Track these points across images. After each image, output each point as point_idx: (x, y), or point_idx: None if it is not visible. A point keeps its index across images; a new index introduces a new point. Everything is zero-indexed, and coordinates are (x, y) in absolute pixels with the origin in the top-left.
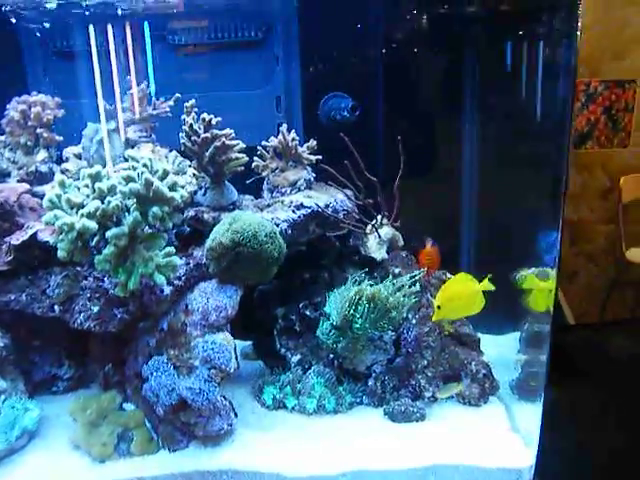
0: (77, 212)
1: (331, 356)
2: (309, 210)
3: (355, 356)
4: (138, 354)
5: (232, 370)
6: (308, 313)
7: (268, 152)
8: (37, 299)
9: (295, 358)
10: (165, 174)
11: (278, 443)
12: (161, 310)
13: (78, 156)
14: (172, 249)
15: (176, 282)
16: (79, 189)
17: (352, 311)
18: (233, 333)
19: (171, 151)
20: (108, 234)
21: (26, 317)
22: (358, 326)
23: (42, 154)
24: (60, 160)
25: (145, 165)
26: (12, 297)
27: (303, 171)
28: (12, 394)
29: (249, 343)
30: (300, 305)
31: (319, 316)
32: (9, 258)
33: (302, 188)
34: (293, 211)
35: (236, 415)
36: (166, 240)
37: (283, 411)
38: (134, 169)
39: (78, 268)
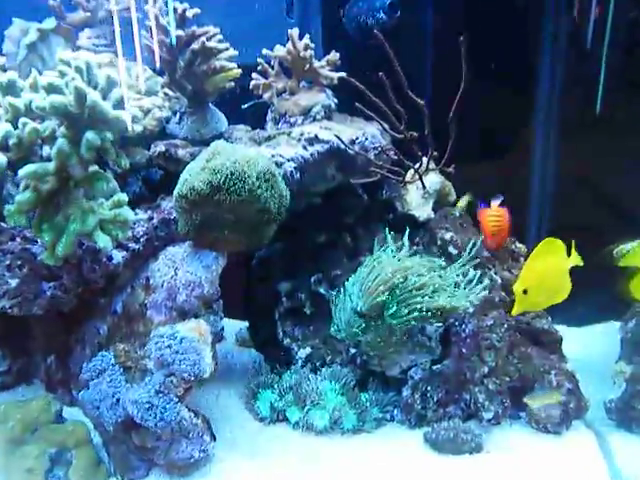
0: None
1: (352, 351)
2: (327, 146)
3: (386, 355)
4: (86, 344)
5: (204, 376)
6: (322, 291)
7: (272, 66)
8: None
9: (302, 352)
10: (109, 85)
11: (272, 476)
12: (114, 285)
13: (1, 68)
14: (123, 196)
15: (132, 245)
16: None
17: (386, 295)
18: (227, 310)
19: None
20: (21, 173)
21: None
22: (392, 313)
23: None
24: None
25: (79, 70)
26: None
27: (320, 94)
28: None
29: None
30: (312, 279)
31: (337, 295)
32: None
33: (319, 117)
34: (304, 147)
35: (214, 438)
36: (114, 184)
37: (283, 426)
38: (63, 76)
39: (3, 224)
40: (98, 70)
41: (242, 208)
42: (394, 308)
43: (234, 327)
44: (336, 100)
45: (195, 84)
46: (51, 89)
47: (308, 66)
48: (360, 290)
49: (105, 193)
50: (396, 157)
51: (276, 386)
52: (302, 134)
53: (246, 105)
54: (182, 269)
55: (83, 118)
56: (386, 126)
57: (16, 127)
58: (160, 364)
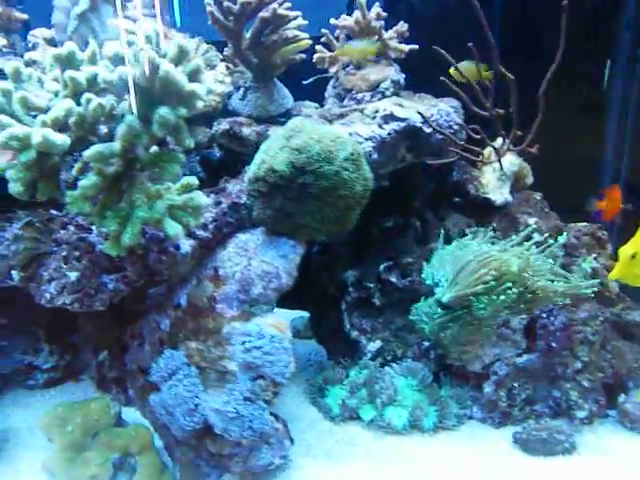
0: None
1: (424, 345)
2: (403, 124)
3: (468, 349)
4: (144, 340)
5: (288, 378)
6: (394, 279)
7: (337, 38)
8: None
9: (372, 346)
10: (182, 55)
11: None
12: (177, 276)
13: (51, 41)
14: (193, 179)
15: (201, 233)
16: (43, 85)
17: (477, 287)
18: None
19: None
20: (86, 154)
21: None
22: (482, 307)
23: None
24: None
25: (149, 39)
26: None
27: (389, 68)
28: None
29: (300, 314)
30: (381, 267)
31: (411, 285)
32: None
33: (388, 93)
34: (380, 125)
35: (292, 442)
36: (185, 166)
37: (355, 425)
38: (130, 45)
39: (54, 212)
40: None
41: (327, 192)
42: (486, 299)
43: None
44: (403, 76)
45: (262, 56)
46: (118, 60)
47: (378, 36)
48: (446, 280)
49: (175, 177)
50: (478, 136)
51: (345, 382)
52: (377, 111)
53: (308, 80)
54: (256, 258)
55: (154, 91)
56: (458, 105)
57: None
58: (247, 366)
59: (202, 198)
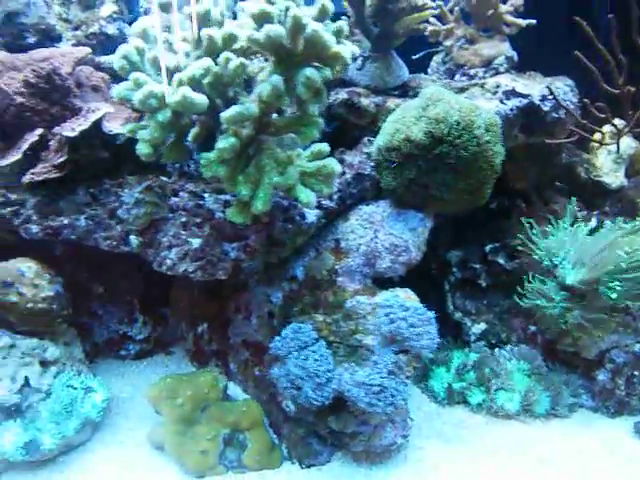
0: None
1: (530, 329)
2: (525, 101)
3: (588, 335)
4: (251, 313)
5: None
6: (501, 261)
7: (452, 11)
8: (103, 225)
9: (477, 328)
10: (323, 15)
11: (481, 467)
12: (293, 247)
13: (165, 7)
14: (324, 146)
15: (326, 203)
16: (171, 45)
17: (609, 268)
18: None
19: None
20: (226, 115)
21: (86, 252)
22: (614, 290)
23: (109, 8)
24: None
25: None
26: (65, 221)
27: (503, 44)
28: (67, 365)
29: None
30: (487, 248)
31: (519, 267)
32: (60, 159)
33: (502, 70)
34: (501, 100)
35: (412, 420)
36: (320, 131)
37: (462, 408)
38: (272, 3)
39: (164, 178)
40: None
41: (467, 162)
42: (618, 282)
43: None
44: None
45: (385, 24)
46: (263, 19)
47: (493, 11)
48: (569, 262)
49: (312, 141)
50: (602, 115)
51: (450, 364)
52: (498, 86)
53: (418, 55)
54: (383, 231)
55: (297, 52)
56: (571, 84)
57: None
58: (391, 339)
59: (336, 165)
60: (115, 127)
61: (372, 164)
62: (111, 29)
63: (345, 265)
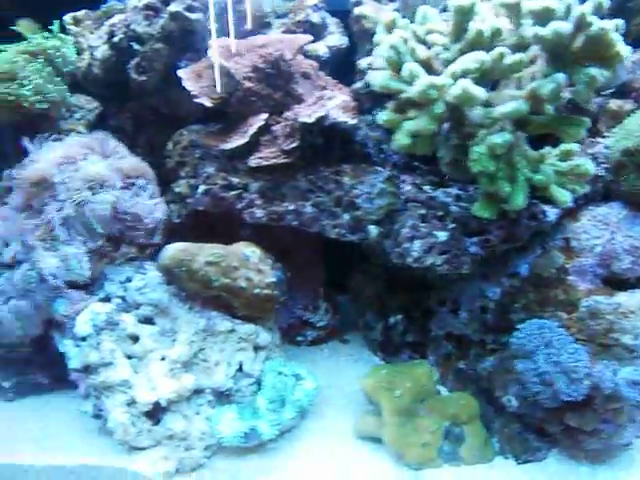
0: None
1: None
2: None
3: None
4: (459, 307)
5: None
6: None
7: None
8: (328, 212)
9: None
10: (599, 9)
11: None
12: (519, 242)
13: None
14: (576, 146)
15: None
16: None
17: None
18: None
19: None
20: (503, 110)
21: (271, 236)
22: None
23: None
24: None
25: None
26: (290, 207)
27: None
28: (272, 351)
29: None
30: None
31: None
32: (292, 145)
33: None
34: None
35: None
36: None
37: None
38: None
39: (379, 168)
40: None
41: None
42: None
43: None
44: None
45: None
46: (547, 15)
47: None
48: None
49: (577, 140)
50: None
51: None
52: None
53: None
54: (620, 233)
55: (572, 51)
56: None
57: None
58: None
59: (590, 166)
60: (341, 115)
61: (605, 166)
62: (315, 17)
63: (577, 264)
